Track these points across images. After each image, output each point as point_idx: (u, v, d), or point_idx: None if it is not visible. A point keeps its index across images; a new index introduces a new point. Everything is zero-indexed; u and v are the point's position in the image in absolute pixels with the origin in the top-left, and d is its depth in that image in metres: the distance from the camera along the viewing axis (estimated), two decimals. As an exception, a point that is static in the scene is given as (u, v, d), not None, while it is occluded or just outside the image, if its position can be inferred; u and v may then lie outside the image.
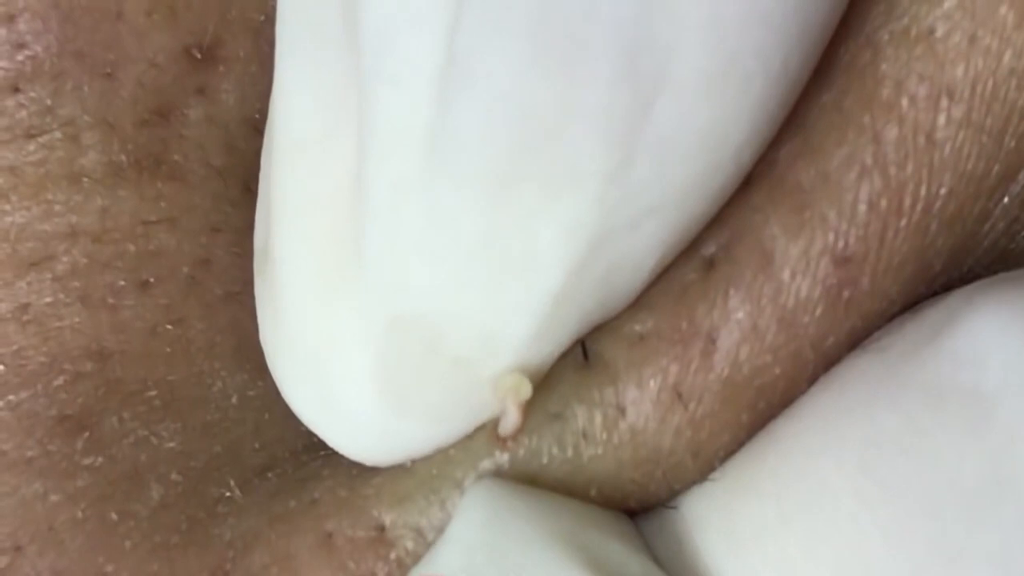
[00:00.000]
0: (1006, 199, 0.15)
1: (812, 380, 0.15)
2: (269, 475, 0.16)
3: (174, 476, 0.16)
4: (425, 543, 0.15)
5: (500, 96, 0.13)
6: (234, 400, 0.16)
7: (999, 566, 0.12)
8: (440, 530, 0.15)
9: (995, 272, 0.15)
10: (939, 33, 0.14)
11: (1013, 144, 0.14)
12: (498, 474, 0.15)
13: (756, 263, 0.14)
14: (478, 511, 0.15)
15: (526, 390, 0.14)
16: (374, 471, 0.15)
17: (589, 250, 0.14)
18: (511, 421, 0.15)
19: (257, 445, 0.16)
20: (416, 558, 0.15)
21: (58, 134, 0.15)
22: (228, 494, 0.16)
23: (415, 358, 0.14)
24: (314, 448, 0.16)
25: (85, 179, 0.15)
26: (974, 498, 0.13)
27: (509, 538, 0.14)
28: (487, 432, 0.15)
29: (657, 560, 0.15)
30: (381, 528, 0.15)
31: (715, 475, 0.15)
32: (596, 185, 0.13)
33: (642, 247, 0.14)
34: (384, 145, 0.13)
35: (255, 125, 0.15)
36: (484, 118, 0.13)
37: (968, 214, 0.15)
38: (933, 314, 0.14)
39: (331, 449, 0.16)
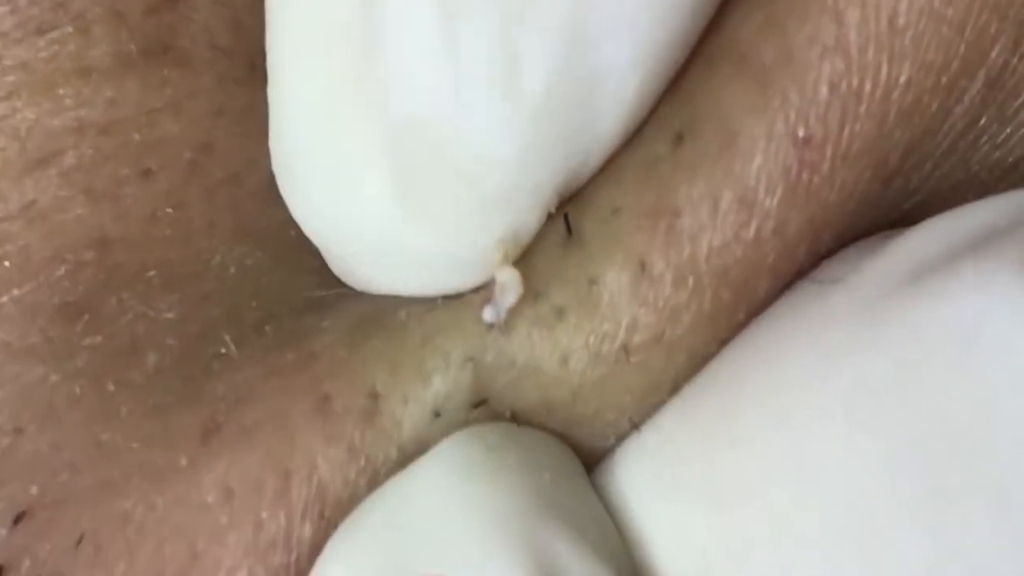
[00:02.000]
0: (965, 98, 0.15)
1: (772, 273, 0.15)
2: (267, 328, 0.16)
3: (170, 341, 0.16)
4: (408, 414, 0.15)
5: None
6: (232, 271, 0.16)
7: (992, 500, 0.12)
8: (421, 401, 0.15)
9: (954, 177, 0.15)
10: None
11: (973, 38, 0.14)
12: (481, 353, 0.15)
13: (720, 140, 0.15)
14: (440, 476, 0.15)
15: (517, 288, 0.15)
16: (373, 328, 0.16)
17: (566, 55, 0.14)
18: (498, 312, 0.15)
19: (255, 304, 0.16)
20: (396, 433, 0.15)
21: (69, 28, 0.16)
22: (224, 351, 0.16)
23: (424, 164, 0.15)
24: (313, 304, 0.16)
25: (94, 72, 0.16)
26: (963, 433, 0.13)
27: (456, 528, 0.14)
28: (476, 307, 0.15)
29: (615, 518, 0.15)
30: (375, 395, 0.15)
31: (672, 414, 0.15)
32: None
33: (621, 59, 0.14)
34: None
35: (261, 2, 0.16)
36: None
37: (926, 107, 0.15)
38: (902, 249, 0.14)
39: (331, 302, 0.16)
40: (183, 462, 0.15)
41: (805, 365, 0.14)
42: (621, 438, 0.16)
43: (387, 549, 0.14)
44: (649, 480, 0.15)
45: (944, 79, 0.14)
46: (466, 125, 0.14)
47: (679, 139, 0.15)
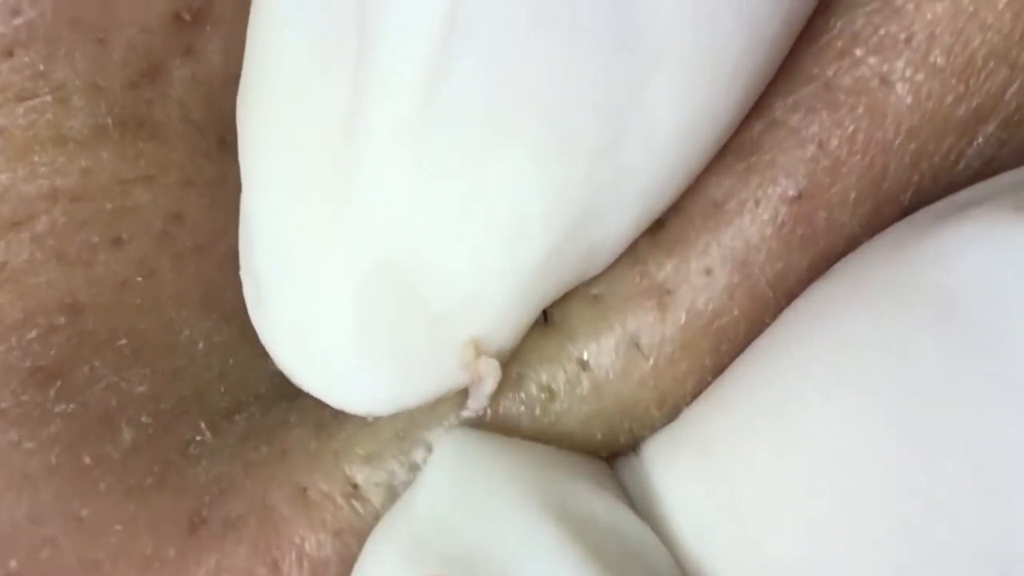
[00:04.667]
0: (979, 139, 0.15)
1: (777, 310, 0.15)
2: (237, 418, 0.17)
3: (144, 419, 0.16)
4: (393, 491, 0.16)
5: (499, 56, 0.14)
6: (201, 346, 0.17)
7: (973, 456, 0.13)
8: (408, 484, 0.16)
9: None
10: None
11: (979, 85, 0.15)
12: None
13: (705, 212, 0.15)
14: (448, 458, 0.15)
15: (496, 374, 0.15)
16: (340, 424, 0.16)
17: (575, 226, 0.14)
18: (480, 401, 0.16)
19: (223, 389, 0.17)
20: (386, 502, 0.16)
21: (48, 98, 0.16)
22: (199, 437, 0.16)
23: (394, 307, 0.15)
24: (277, 394, 0.17)
25: (70, 142, 0.16)
26: (941, 390, 0.13)
27: (477, 486, 0.15)
28: (452, 397, 0.16)
29: (632, 501, 0.16)
30: (354, 485, 0.16)
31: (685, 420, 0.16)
32: (586, 160, 0.14)
33: (625, 227, 0.15)
34: (383, 91, 0.14)
35: (237, 80, 0.16)
36: (482, 75, 0.14)
37: (934, 152, 0.15)
38: (895, 231, 0.15)
39: (293, 395, 0.16)
40: (172, 553, 0.15)
41: (793, 329, 0.15)
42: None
43: (416, 516, 0.15)
44: (657, 449, 0.16)
45: (952, 125, 0.15)
46: (452, 276, 0.15)
47: (660, 225, 0.15)
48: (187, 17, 0.16)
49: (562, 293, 0.15)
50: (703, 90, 0.14)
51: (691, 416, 0.16)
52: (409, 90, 0.14)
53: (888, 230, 0.15)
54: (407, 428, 0.16)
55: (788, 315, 0.15)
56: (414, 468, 0.16)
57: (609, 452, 0.16)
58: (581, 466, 0.16)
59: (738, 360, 0.16)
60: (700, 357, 0.15)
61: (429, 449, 0.16)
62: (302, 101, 0.15)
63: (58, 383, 0.16)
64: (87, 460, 0.16)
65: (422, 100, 0.14)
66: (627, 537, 0.15)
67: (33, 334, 0.16)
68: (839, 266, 0.15)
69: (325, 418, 0.17)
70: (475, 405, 0.16)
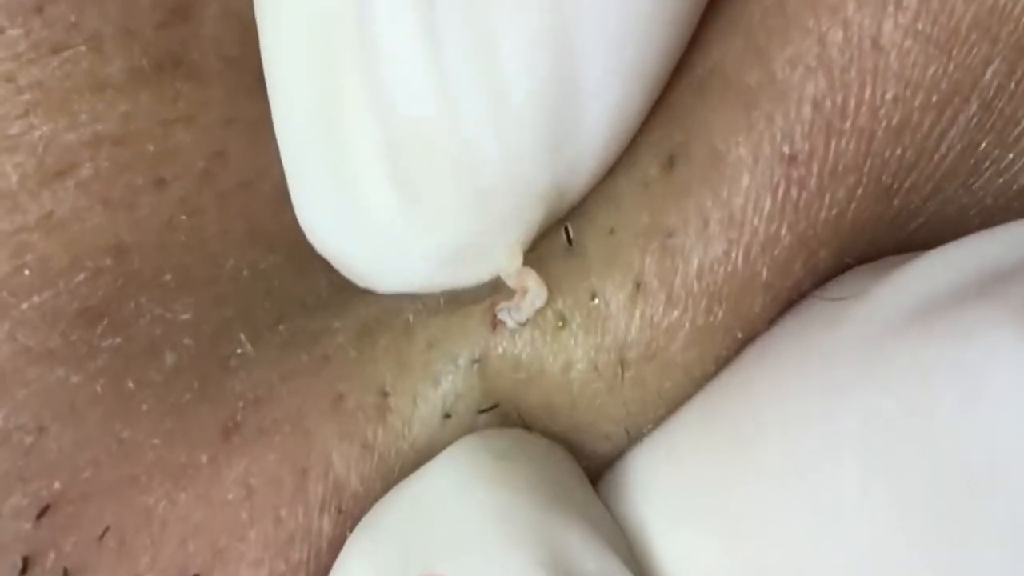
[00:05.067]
0: (960, 119, 0.15)
1: (767, 290, 0.15)
2: (280, 327, 0.17)
3: (187, 341, 0.17)
4: (419, 414, 0.16)
5: None
6: (246, 273, 0.17)
7: (1003, 543, 0.13)
8: (431, 402, 0.16)
9: (958, 200, 0.16)
10: None
11: (962, 59, 0.15)
12: (487, 357, 0.16)
13: (709, 162, 0.15)
14: (450, 491, 0.15)
15: (543, 292, 0.16)
16: (380, 330, 0.17)
17: (550, 64, 0.15)
18: (523, 315, 0.16)
19: (268, 305, 0.17)
20: (408, 430, 0.16)
21: (82, 48, 0.16)
22: (240, 350, 0.17)
23: (420, 161, 0.16)
24: (325, 304, 0.17)
25: (109, 88, 0.17)
26: (972, 477, 0.13)
27: (473, 533, 0.15)
28: (482, 316, 0.16)
29: (623, 530, 0.16)
30: (385, 394, 0.16)
31: (683, 436, 0.16)
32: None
33: (601, 72, 0.15)
34: None
35: None
36: None
37: (917, 126, 0.15)
38: (909, 280, 0.15)
39: (341, 302, 0.17)
40: (204, 460, 0.16)
41: (817, 400, 0.15)
42: (619, 447, 0.17)
43: (405, 546, 0.15)
44: (662, 507, 0.16)
45: (934, 98, 0.15)
46: (454, 125, 0.15)
47: (671, 162, 0.16)
48: None
49: (569, 178, 0.16)
50: None
51: (702, 478, 0.16)
52: None
53: (900, 281, 0.15)
54: (438, 338, 0.16)
55: (798, 364, 0.15)
56: (436, 380, 0.16)
57: (606, 421, 0.16)
58: (575, 503, 0.16)
59: (745, 407, 0.15)
60: (691, 311, 0.15)
61: (454, 363, 0.16)
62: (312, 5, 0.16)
63: (104, 321, 0.16)
64: (131, 385, 0.16)
65: None
66: None
67: (80, 277, 0.16)
68: (844, 312, 0.15)
69: (369, 323, 0.17)
70: (510, 319, 0.16)
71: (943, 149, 0.15)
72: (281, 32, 0.16)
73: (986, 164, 0.16)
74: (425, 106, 0.15)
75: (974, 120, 0.15)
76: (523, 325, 0.16)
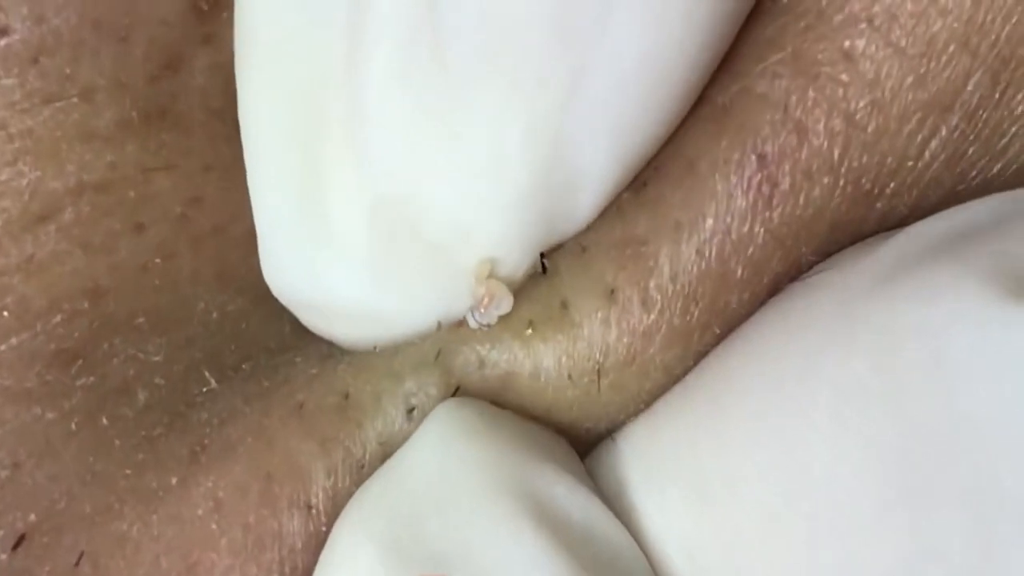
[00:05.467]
0: (942, 130, 0.16)
1: (743, 287, 0.16)
2: (244, 366, 0.18)
3: (158, 380, 0.18)
4: (382, 410, 0.17)
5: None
6: (215, 316, 0.18)
7: (967, 502, 0.13)
8: (394, 398, 0.17)
9: (945, 207, 0.16)
10: None
11: (939, 71, 0.15)
12: (450, 352, 0.17)
13: (679, 171, 0.16)
14: (432, 442, 0.16)
15: (508, 301, 0.17)
16: (342, 356, 0.18)
17: (552, 155, 0.16)
18: (488, 318, 0.17)
19: (234, 347, 0.18)
20: (373, 425, 0.17)
21: (75, 99, 0.16)
22: (206, 389, 0.18)
23: (399, 237, 0.16)
24: (286, 347, 0.18)
25: (97, 138, 0.17)
26: (937, 437, 0.13)
27: (458, 483, 0.16)
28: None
29: (607, 495, 0.17)
30: (345, 395, 0.17)
31: (663, 410, 0.17)
32: (558, 90, 0.15)
33: (601, 161, 0.16)
34: (380, 34, 0.15)
35: None
36: (463, 13, 0.15)
37: (895, 133, 0.16)
38: (885, 255, 0.15)
39: (301, 346, 0.18)
40: (174, 482, 0.17)
41: (790, 363, 0.15)
42: (600, 436, 0.17)
43: (395, 511, 0.16)
44: (639, 473, 0.17)
45: (912, 107, 0.16)
46: (444, 207, 0.16)
47: (643, 184, 0.17)
48: (204, 6, 0.17)
49: (552, 239, 0.17)
50: (663, 21, 0.15)
51: (676, 438, 0.16)
52: (401, 34, 0.15)
53: (873, 249, 0.16)
54: (404, 352, 0.17)
55: (774, 334, 0.16)
56: (399, 377, 0.17)
57: (582, 421, 0.17)
58: (559, 456, 0.17)
59: (720, 374, 0.16)
60: (668, 312, 0.16)
61: (418, 359, 0.17)
62: (297, 48, 0.16)
63: (80, 361, 0.17)
64: (104, 422, 0.17)
65: (413, 43, 0.15)
66: (603, 542, 0.16)
67: (57, 319, 0.17)
68: (823, 281, 0.16)
69: (331, 351, 0.18)
70: (475, 322, 0.17)
71: (926, 157, 0.16)
72: (262, 88, 0.16)
73: (973, 173, 0.16)
74: (416, 185, 0.16)
75: (957, 130, 0.16)
76: (487, 327, 0.17)
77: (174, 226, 0.18)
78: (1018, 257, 0.14)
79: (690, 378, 0.17)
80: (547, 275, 0.17)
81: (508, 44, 0.15)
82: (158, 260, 0.17)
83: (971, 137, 0.16)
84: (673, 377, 0.17)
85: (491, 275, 0.16)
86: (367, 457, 0.17)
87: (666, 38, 0.15)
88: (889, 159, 0.16)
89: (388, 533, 0.15)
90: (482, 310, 0.16)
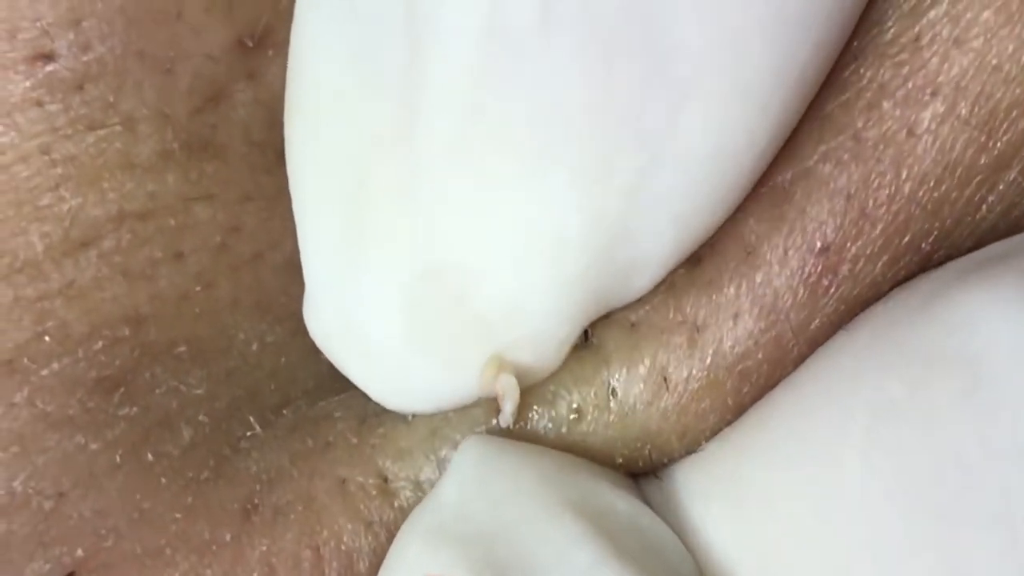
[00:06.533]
0: (1001, 186, 0.16)
1: (797, 362, 0.16)
2: (285, 412, 0.18)
3: (201, 418, 0.18)
4: (420, 492, 0.17)
5: (539, 78, 0.15)
6: (254, 347, 0.18)
7: (1000, 527, 0.13)
8: (434, 483, 0.17)
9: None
10: (924, 40, 0.16)
11: (1001, 134, 0.16)
12: None
13: (738, 256, 0.16)
14: (472, 453, 0.16)
15: (514, 395, 0.16)
16: (380, 419, 0.18)
17: (610, 246, 0.16)
18: (505, 419, 0.17)
19: (273, 386, 0.18)
20: (412, 503, 0.17)
21: (117, 127, 0.17)
22: (250, 432, 0.18)
23: (441, 311, 0.16)
24: (324, 388, 0.18)
25: (138, 167, 0.17)
26: (972, 461, 0.14)
27: (499, 477, 0.16)
28: (486, 402, 0.17)
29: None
30: (384, 478, 0.17)
31: (711, 444, 0.17)
32: (622, 184, 0.15)
33: (660, 251, 0.16)
34: (437, 106, 0.15)
35: None
36: (524, 94, 0.15)
37: (956, 200, 0.16)
38: (923, 285, 0.16)
39: (339, 390, 0.18)
40: (228, 538, 0.17)
41: (828, 383, 0.15)
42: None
43: (436, 518, 0.16)
44: (687, 487, 0.17)
45: (974, 174, 0.16)
46: (495, 285, 0.16)
47: (697, 260, 0.17)
48: (250, 43, 0.17)
49: (600, 313, 0.17)
50: (735, 118, 0.15)
51: (720, 457, 0.17)
52: (457, 107, 0.15)
53: (914, 282, 0.16)
54: (440, 426, 0.17)
55: (818, 365, 0.16)
56: (442, 465, 0.17)
57: (627, 473, 0.17)
58: (602, 470, 0.17)
59: (765, 403, 0.16)
60: (722, 397, 0.16)
61: (457, 447, 0.17)
62: (347, 109, 0.16)
63: (121, 390, 0.17)
64: (149, 457, 0.17)
65: (471, 117, 0.15)
66: (648, 532, 0.16)
67: (99, 346, 0.17)
68: (866, 317, 0.16)
69: (367, 413, 0.18)
70: (502, 421, 0.17)
71: (983, 211, 0.16)
72: (310, 143, 0.17)
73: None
74: (470, 255, 0.16)
75: (1014, 184, 0.16)
76: (511, 422, 0.17)
77: (213, 255, 0.18)
78: None
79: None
80: (592, 351, 0.17)
81: (575, 131, 0.15)
82: (198, 288, 0.18)
83: None
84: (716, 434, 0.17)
85: (501, 370, 0.16)
86: None
87: (739, 134, 0.15)
88: (948, 222, 0.16)
89: (431, 519, 0.16)
90: (503, 410, 0.16)
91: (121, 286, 0.17)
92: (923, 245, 0.16)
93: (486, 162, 0.15)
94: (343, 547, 0.17)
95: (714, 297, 0.16)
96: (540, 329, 0.16)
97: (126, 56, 0.16)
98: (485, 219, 0.16)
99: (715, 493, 0.16)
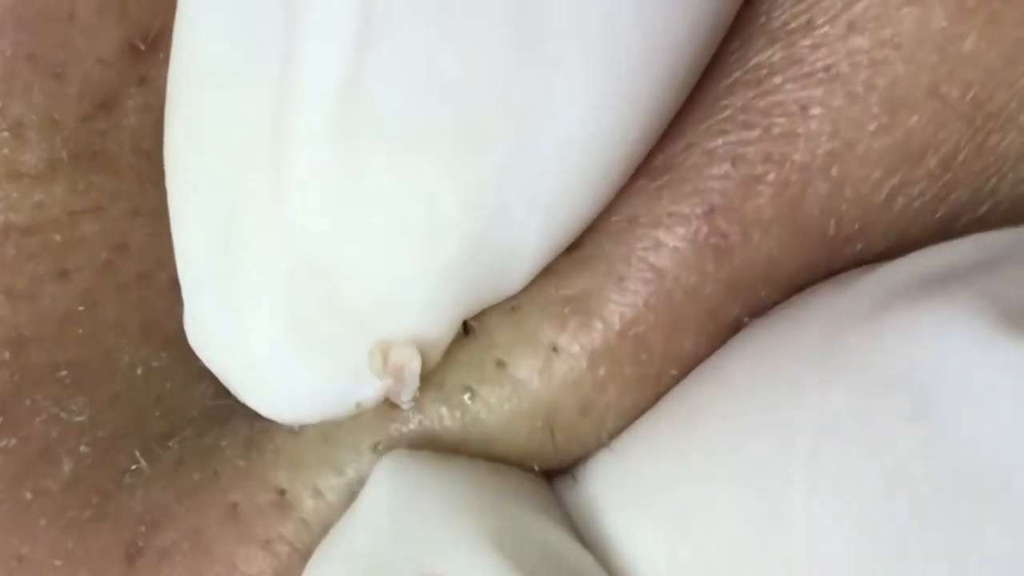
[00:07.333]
0: (916, 174, 0.16)
1: (697, 331, 0.16)
2: (171, 443, 0.17)
3: (83, 448, 0.17)
4: (325, 502, 0.16)
5: (410, 57, 0.14)
6: (139, 371, 0.17)
7: (951, 559, 0.13)
8: (337, 490, 0.16)
9: (927, 240, 0.16)
10: (817, 22, 0.16)
11: (905, 116, 0.15)
12: (391, 440, 0.16)
13: (620, 226, 0.16)
14: (384, 487, 0.16)
15: (416, 363, 0.16)
16: (268, 437, 0.17)
17: (487, 227, 0.15)
18: (407, 396, 0.16)
19: (159, 413, 0.17)
20: (318, 517, 0.16)
21: (5, 134, 0.16)
22: (134, 466, 0.17)
23: (319, 308, 0.15)
24: (210, 417, 0.17)
25: (26, 176, 0.16)
26: (920, 488, 0.13)
27: (415, 515, 0.15)
28: (378, 406, 0.16)
29: (574, 526, 0.16)
30: (280, 492, 0.16)
31: (631, 444, 0.16)
32: (497, 161, 0.15)
33: (538, 233, 0.15)
34: (304, 94, 0.15)
35: None
36: (395, 77, 0.14)
37: (860, 181, 0.16)
38: (867, 288, 0.15)
39: (225, 418, 0.17)
40: None
41: (768, 397, 0.15)
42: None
43: (351, 556, 0.15)
44: (610, 506, 0.16)
45: (878, 155, 0.15)
46: (369, 275, 0.15)
47: (576, 246, 0.16)
48: (142, 47, 0.17)
49: (481, 304, 0.16)
50: (608, 94, 0.15)
51: (645, 463, 0.16)
52: (328, 96, 0.15)
53: (855, 283, 0.16)
54: (331, 431, 0.16)
55: (755, 366, 0.15)
56: (339, 470, 0.16)
57: (540, 466, 0.17)
58: (521, 488, 0.16)
59: (690, 400, 0.16)
60: (619, 364, 0.16)
61: (355, 451, 0.16)
62: (225, 100, 0.15)
63: (0, 419, 0.16)
64: (28, 496, 0.16)
65: (340, 105, 0.15)
66: (567, 561, 0.15)
67: None
68: (801, 313, 0.16)
69: (255, 435, 0.17)
70: (402, 400, 0.16)
71: (900, 202, 0.16)
72: (188, 140, 0.16)
73: (956, 215, 0.16)
74: (340, 250, 0.15)
75: (934, 176, 0.16)
76: (415, 400, 0.16)
77: (99, 273, 0.17)
78: (1004, 298, 0.14)
79: (658, 411, 0.16)
80: (475, 337, 0.16)
81: (447, 106, 0.15)
82: (82, 308, 0.17)
83: (952, 183, 0.16)
84: (631, 419, 0.16)
85: (387, 351, 0.16)
86: (317, 544, 0.16)
87: (612, 113, 0.15)
88: (857, 204, 0.16)
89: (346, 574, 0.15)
90: (398, 387, 0.16)
91: (4, 306, 0.16)
92: (827, 228, 0.16)
93: (358, 147, 0.15)
94: (238, 575, 0.16)
95: (597, 268, 0.16)
96: (417, 323, 0.15)
97: (16, 58, 0.16)
98: (355, 207, 0.15)
99: (643, 505, 0.16)
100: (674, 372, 0.16)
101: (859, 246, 0.16)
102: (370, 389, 0.16)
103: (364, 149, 0.15)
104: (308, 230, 0.15)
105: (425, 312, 0.15)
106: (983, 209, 0.16)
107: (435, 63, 0.14)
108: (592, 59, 0.14)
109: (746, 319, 0.16)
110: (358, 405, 0.16)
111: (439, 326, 0.16)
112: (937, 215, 0.16)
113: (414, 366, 0.16)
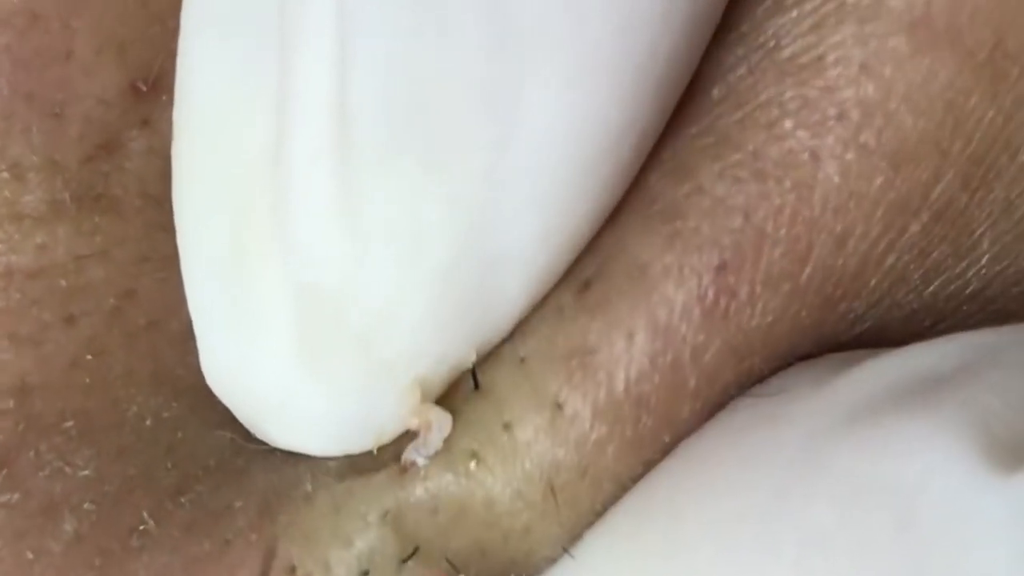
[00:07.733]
0: (911, 228, 0.15)
1: (695, 396, 0.15)
2: (182, 500, 0.16)
3: (87, 505, 0.16)
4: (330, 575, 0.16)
5: (386, 65, 0.14)
6: (148, 422, 0.17)
7: None
8: (345, 563, 0.16)
9: (908, 306, 0.16)
10: (829, 60, 0.15)
11: (910, 172, 0.15)
12: (399, 509, 0.16)
13: (630, 275, 0.15)
14: None
15: (447, 424, 0.15)
16: (280, 504, 0.16)
17: (473, 227, 0.15)
18: (431, 448, 0.16)
19: (170, 464, 0.17)
20: None
21: (5, 175, 0.16)
22: (142, 526, 0.16)
23: (326, 326, 0.15)
24: (226, 467, 0.17)
25: (27, 218, 0.16)
26: None
27: None
28: (388, 469, 0.16)
29: None
30: (291, 569, 0.16)
31: (619, 526, 0.16)
32: (478, 161, 0.14)
33: (526, 241, 0.15)
34: (298, 118, 0.14)
35: None
36: (374, 88, 0.14)
37: (862, 235, 0.15)
38: (843, 388, 0.15)
39: (241, 468, 0.16)
40: None
41: (752, 503, 0.14)
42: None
43: None
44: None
45: (880, 209, 0.15)
46: (366, 293, 0.15)
47: (586, 286, 0.16)
48: (143, 87, 0.17)
49: (483, 317, 0.16)
50: (582, 91, 0.14)
51: (638, 555, 0.15)
52: (321, 116, 0.14)
53: (829, 379, 0.15)
54: (344, 501, 0.16)
55: (737, 474, 0.15)
56: (348, 542, 0.16)
57: (539, 534, 0.16)
58: None
59: (673, 500, 0.15)
60: (620, 424, 0.15)
61: (363, 520, 0.16)
62: (229, 134, 0.15)
63: (4, 471, 0.16)
64: (28, 555, 0.15)
65: (331, 124, 0.14)
66: None
67: None
68: (779, 411, 0.15)
69: (269, 499, 0.16)
70: (417, 457, 0.16)
71: (891, 259, 0.16)
72: (195, 175, 0.16)
73: (937, 272, 0.16)
74: (337, 273, 0.15)
75: (925, 231, 0.15)
76: (432, 459, 0.16)
77: (107, 319, 0.17)
78: (989, 411, 0.14)
79: (642, 491, 0.16)
80: (484, 392, 0.16)
81: (424, 114, 0.14)
82: (89, 356, 0.16)
83: (938, 238, 0.16)
84: (623, 486, 0.16)
85: (424, 399, 0.16)
86: None
87: (588, 111, 0.15)
88: (854, 260, 0.16)
89: None
90: (427, 440, 0.16)
91: (8, 351, 0.16)
92: (827, 285, 0.15)
93: (350, 164, 0.14)
94: None
95: (605, 318, 0.15)
96: (416, 339, 0.15)
97: (13, 98, 0.16)
98: (352, 226, 0.15)
99: None
100: (667, 439, 0.16)
101: (849, 306, 0.16)
102: (390, 422, 0.16)
103: (356, 166, 0.15)
104: (311, 254, 0.15)
105: (422, 326, 0.15)
106: (960, 266, 0.16)
107: (410, 69, 0.14)
108: (562, 53, 0.14)
109: (733, 391, 0.16)
110: (377, 438, 0.16)
111: (439, 343, 0.15)
112: (921, 270, 0.16)
113: (444, 426, 0.16)
